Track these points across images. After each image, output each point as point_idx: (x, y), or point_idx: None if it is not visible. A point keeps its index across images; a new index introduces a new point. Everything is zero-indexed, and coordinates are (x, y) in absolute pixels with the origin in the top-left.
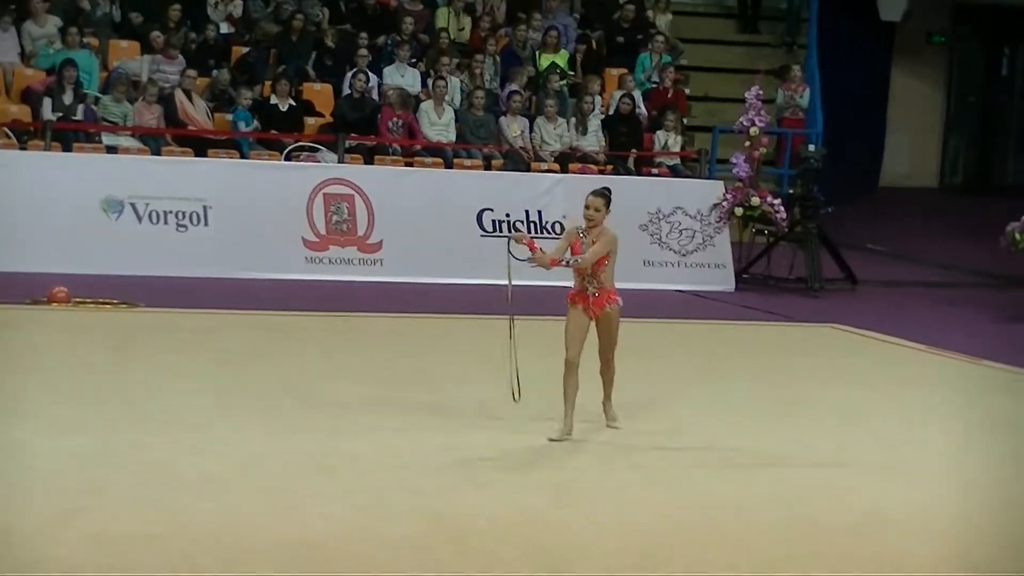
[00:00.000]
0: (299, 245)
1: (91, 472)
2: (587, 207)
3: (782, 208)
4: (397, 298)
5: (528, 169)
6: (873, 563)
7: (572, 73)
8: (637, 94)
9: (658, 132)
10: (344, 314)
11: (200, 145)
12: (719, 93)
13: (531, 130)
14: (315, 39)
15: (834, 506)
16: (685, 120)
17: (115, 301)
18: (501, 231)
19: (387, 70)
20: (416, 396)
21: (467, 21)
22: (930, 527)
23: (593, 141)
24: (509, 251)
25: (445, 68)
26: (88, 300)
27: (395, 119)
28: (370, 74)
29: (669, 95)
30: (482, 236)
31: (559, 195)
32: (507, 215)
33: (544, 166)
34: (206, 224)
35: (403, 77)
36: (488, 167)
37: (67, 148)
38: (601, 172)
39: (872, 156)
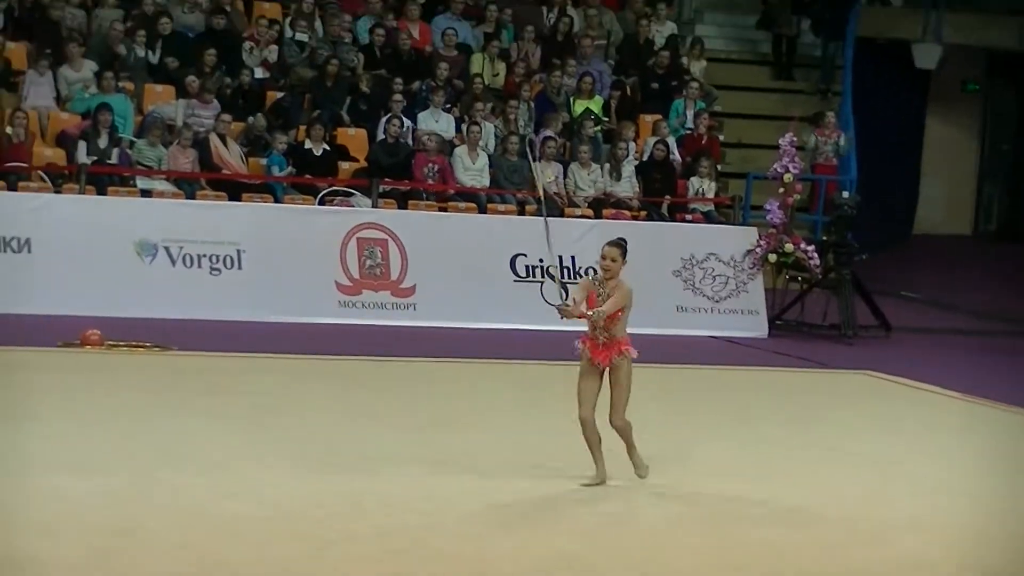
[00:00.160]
0: (332, 289)
1: (123, 513)
2: (603, 257)
3: (816, 255)
4: (430, 342)
5: (562, 215)
6: None
7: (606, 119)
8: (671, 140)
9: (692, 178)
10: (377, 358)
11: (234, 189)
12: (753, 140)
13: (565, 176)
14: (350, 84)
15: (868, 553)
16: (719, 166)
17: (148, 344)
18: (534, 276)
19: (421, 115)
20: (449, 440)
21: (502, 67)
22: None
23: (627, 187)
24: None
25: (479, 113)
26: (121, 343)
27: (430, 164)
28: (404, 119)
29: (703, 141)
30: (515, 281)
31: (593, 241)
32: (540, 260)
33: (578, 212)
34: (240, 268)
35: (437, 122)
36: (522, 212)
37: (102, 192)
38: (635, 218)
39: (906, 203)
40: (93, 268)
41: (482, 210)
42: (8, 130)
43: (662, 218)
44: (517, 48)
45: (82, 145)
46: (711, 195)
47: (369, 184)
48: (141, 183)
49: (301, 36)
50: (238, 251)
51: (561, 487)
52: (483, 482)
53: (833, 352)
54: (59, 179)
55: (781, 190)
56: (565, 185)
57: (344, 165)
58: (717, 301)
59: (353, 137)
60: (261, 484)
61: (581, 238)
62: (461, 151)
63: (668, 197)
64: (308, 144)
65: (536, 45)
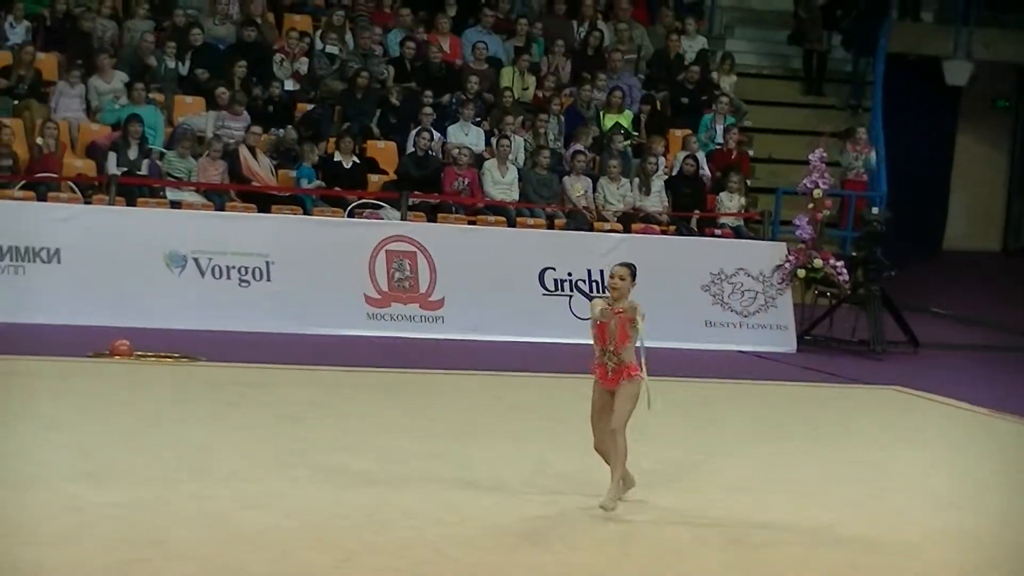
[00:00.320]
0: (361, 301)
1: (149, 524)
2: (612, 276)
3: (845, 270)
4: (458, 355)
5: (591, 229)
6: None
7: (636, 133)
8: (701, 155)
9: (721, 193)
10: (405, 370)
11: (264, 201)
12: (783, 155)
13: (594, 190)
14: (380, 97)
15: (892, 570)
16: (748, 181)
17: (177, 355)
18: (563, 290)
19: (451, 128)
20: (473, 452)
21: (532, 80)
22: None
23: (656, 201)
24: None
25: (509, 127)
26: (150, 354)
27: (460, 178)
28: (434, 132)
29: (733, 156)
30: (544, 295)
31: (621, 255)
32: (569, 274)
33: (607, 226)
34: (268, 279)
35: (467, 135)
36: (551, 226)
37: (131, 203)
38: (664, 232)
39: (936, 219)
40: (122, 279)
41: (511, 223)
42: (39, 140)
43: (691, 233)
44: (547, 62)
45: (112, 156)
46: (740, 210)
47: (398, 197)
48: (171, 194)
49: (332, 48)
50: (267, 263)
51: (583, 502)
52: (506, 495)
53: (861, 367)
54: (89, 190)
55: (811, 205)
56: (594, 199)
57: (373, 178)
58: (746, 316)
59: (383, 150)
60: (285, 495)
61: (609, 252)
62: (491, 164)
63: (697, 212)
64: (338, 156)
65: (566, 59)
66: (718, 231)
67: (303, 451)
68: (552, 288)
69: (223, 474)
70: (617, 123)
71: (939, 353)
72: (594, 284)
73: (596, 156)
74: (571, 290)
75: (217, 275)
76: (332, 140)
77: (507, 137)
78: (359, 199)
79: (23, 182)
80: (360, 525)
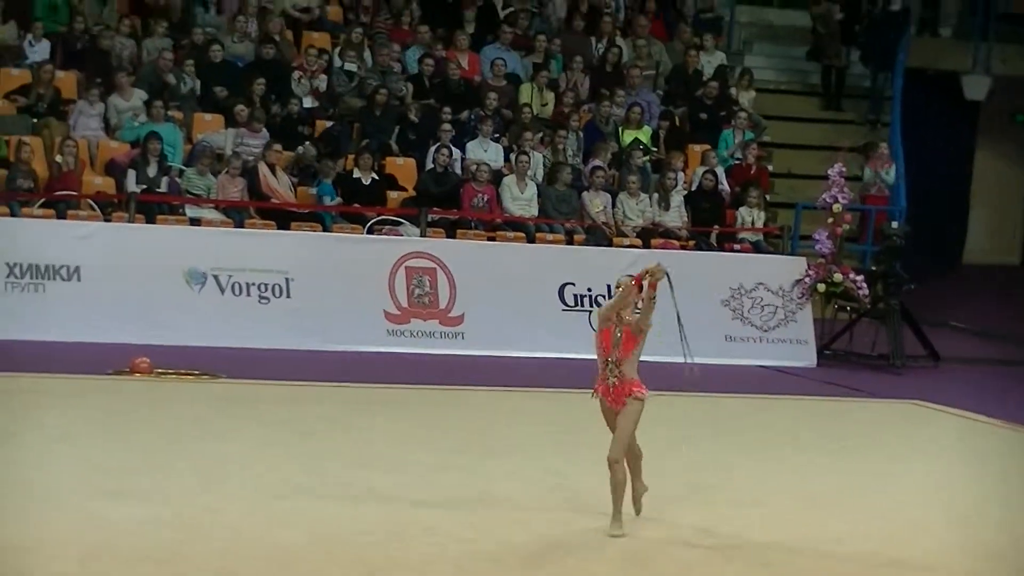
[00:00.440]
0: (381, 318)
1: (169, 540)
2: (618, 286)
3: (864, 284)
4: (478, 371)
5: (610, 244)
6: None
7: (655, 149)
8: (720, 170)
9: (741, 208)
10: (425, 387)
11: (283, 218)
12: (802, 170)
13: (613, 205)
14: (398, 113)
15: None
16: (768, 196)
17: (197, 372)
18: (582, 305)
19: (470, 145)
20: (495, 468)
21: (550, 97)
22: None
23: (675, 217)
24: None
25: (528, 143)
26: (170, 371)
27: (479, 194)
28: (453, 148)
29: (752, 171)
30: (563, 310)
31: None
32: (589, 289)
33: (626, 241)
34: (288, 296)
35: (486, 151)
36: (570, 242)
37: (151, 220)
38: (683, 247)
39: (955, 233)
40: (142, 296)
41: (531, 239)
42: (58, 158)
43: (710, 248)
44: (566, 78)
45: (131, 174)
46: (760, 225)
47: (418, 213)
48: (190, 211)
49: (350, 66)
50: (287, 279)
51: (603, 520)
52: (526, 511)
53: (882, 382)
54: (108, 207)
55: (830, 220)
56: (614, 215)
57: (393, 194)
58: (766, 331)
59: (402, 166)
60: (306, 511)
61: (629, 267)
62: (510, 180)
63: (716, 227)
64: (357, 173)
65: (585, 75)
66: (737, 246)
67: (324, 467)
68: (572, 303)
69: (243, 491)
70: (636, 139)
71: (959, 367)
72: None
73: (615, 172)
74: (591, 305)
75: (237, 292)
76: (351, 157)
77: (526, 153)
78: (378, 216)
79: (43, 200)
80: (382, 541)
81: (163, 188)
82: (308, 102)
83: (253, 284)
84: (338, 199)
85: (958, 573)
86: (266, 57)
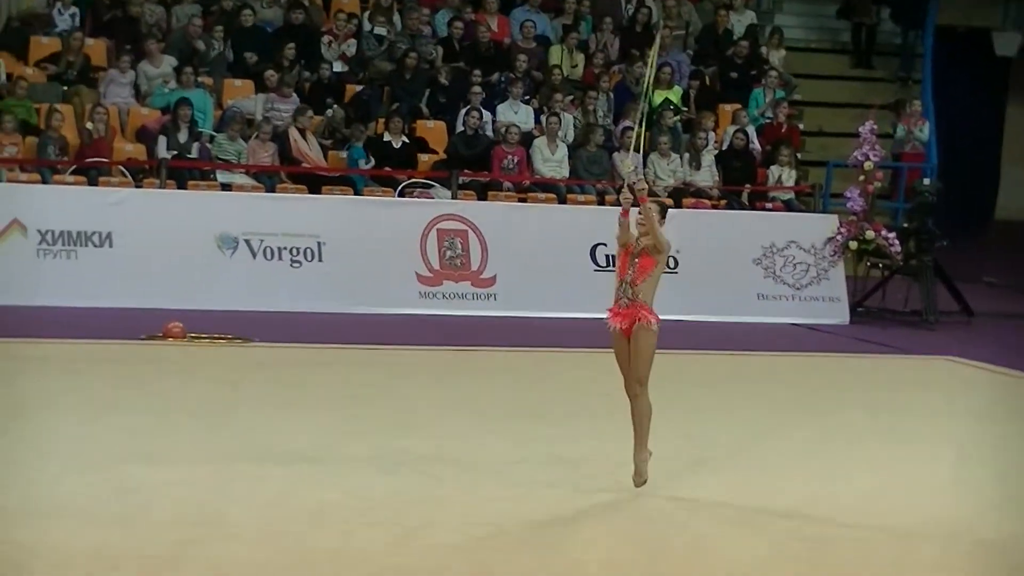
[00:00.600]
0: (413, 280)
1: (206, 503)
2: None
3: (896, 241)
4: (511, 332)
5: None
6: None
7: (686, 109)
8: (751, 129)
9: (772, 167)
10: (458, 348)
11: (314, 182)
12: (833, 128)
13: (645, 166)
14: (428, 77)
15: (949, 543)
16: (799, 155)
17: (229, 336)
18: (614, 266)
19: (500, 107)
20: (529, 429)
21: (580, 58)
22: None
23: (707, 176)
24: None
25: (558, 104)
26: (203, 336)
27: (510, 156)
28: (483, 111)
29: (783, 130)
30: (595, 271)
31: (672, 230)
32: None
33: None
34: (320, 260)
35: (516, 114)
36: (601, 202)
37: (182, 186)
38: (715, 207)
39: (987, 190)
40: (174, 262)
41: (562, 200)
42: (89, 125)
43: (742, 207)
44: (595, 39)
45: (162, 140)
46: (791, 183)
47: (448, 176)
48: (221, 177)
49: (380, 30)
50: (318, 243)
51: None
52: (564, 470)
53: (915, 338)
54: (139, 174)
55: (862, 178)
56: (645, 175)
57: (423, 157)
58: (798, 289)
59: (432, 129)
60: (341, 473)
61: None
62: (540, 142)
63: (748, 186)
64: (387, 137)
65: (615, 36)
66: (769, 204)
67: (357, 431)
68: (604, 264)
69: (278, 453)
70: (667, 99)
71: (992, 322)
72: None
73: (646, 132)
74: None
75: (269, 256)
76: (381, 120)
77: (556, 115)
78: (409, 179)
79: (74, 167)
80: (417, 501)
81: (194, 154)
82: (338, 67)
83: (285, 248)
84: (370, 163)
85: (999, 528)
86: (295, 22)
